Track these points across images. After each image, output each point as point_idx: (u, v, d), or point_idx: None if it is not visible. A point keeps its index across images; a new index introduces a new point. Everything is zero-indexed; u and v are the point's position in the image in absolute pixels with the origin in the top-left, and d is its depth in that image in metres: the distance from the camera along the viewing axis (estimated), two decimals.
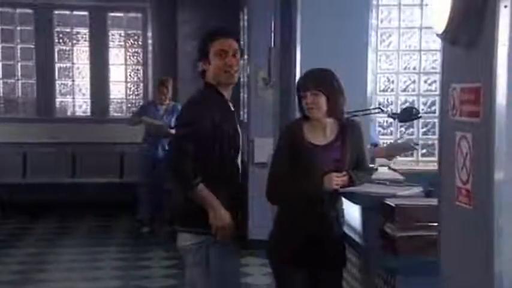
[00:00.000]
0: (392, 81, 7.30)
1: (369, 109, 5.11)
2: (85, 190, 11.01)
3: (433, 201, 2.99)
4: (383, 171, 5.01)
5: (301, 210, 4.06)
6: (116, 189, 10.79)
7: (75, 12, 11.62)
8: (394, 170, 5.01)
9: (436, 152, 6.43)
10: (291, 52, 6.06)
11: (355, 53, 5.89)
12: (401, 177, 4.62)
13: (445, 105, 2.61)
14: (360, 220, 4.13)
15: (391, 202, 3.71)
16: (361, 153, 4.21)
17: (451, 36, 2.48)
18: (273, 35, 7.17)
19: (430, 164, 6.22)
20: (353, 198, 4.10)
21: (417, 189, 4.10)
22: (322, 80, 4.07)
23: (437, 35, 2.53)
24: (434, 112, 7.14)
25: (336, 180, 4.02)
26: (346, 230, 4.24)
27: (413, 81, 7.32)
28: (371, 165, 5.07)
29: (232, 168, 4.20)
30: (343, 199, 4.19)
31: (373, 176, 4.46)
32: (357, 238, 4.12)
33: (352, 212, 4.23)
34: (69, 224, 10.18)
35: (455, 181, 2.50)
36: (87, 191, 10.99)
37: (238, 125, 4.26)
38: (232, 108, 4.24)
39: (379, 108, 5.11)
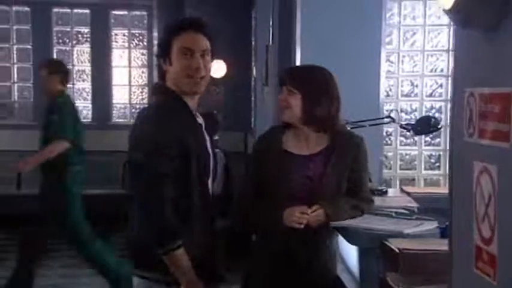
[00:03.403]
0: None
1: (376, 119, 4.26)
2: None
3: None
4: (393, 196, 4.12)
5: (277, 244, 3.25)
6: (118, 201, 10.02)
7: (75, 10, 11.29)
8: (408, 194, 4.13)
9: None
10: (290, 50, 5.53)
11: (365, 52, 5.28)
12: (414, 205, 3.73)
13: (458, 120, 1.79)
14: (357, 264, 3.26)
15: (393, 245, 2.88)
16: (358, 177, 3.31)
17: (464, 15, 1.61)
18: (271, 30, 6.63)
19: None
20: (347, 235, 3.22)
21: (431, 225, 3.21)
22: (304, 77, 3.26)
23: (445, 11, 1.66)
24: None
25: (300, 217, 3.10)
26: (342, 274, 3.41)
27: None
28: (380, 188, 4.22)
29: (200, 204, 3.26)
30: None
31: (378, 203, 3.56)
32: (353, 287, 3.26)
33: (349, 253, 3.37)
34: (60, 241, 9.38)
35: (473, 238, 1.69)
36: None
37: (209, 143, 3.35)
38: (201, 122, 3.32)
39: (390, 117, 4.27)
